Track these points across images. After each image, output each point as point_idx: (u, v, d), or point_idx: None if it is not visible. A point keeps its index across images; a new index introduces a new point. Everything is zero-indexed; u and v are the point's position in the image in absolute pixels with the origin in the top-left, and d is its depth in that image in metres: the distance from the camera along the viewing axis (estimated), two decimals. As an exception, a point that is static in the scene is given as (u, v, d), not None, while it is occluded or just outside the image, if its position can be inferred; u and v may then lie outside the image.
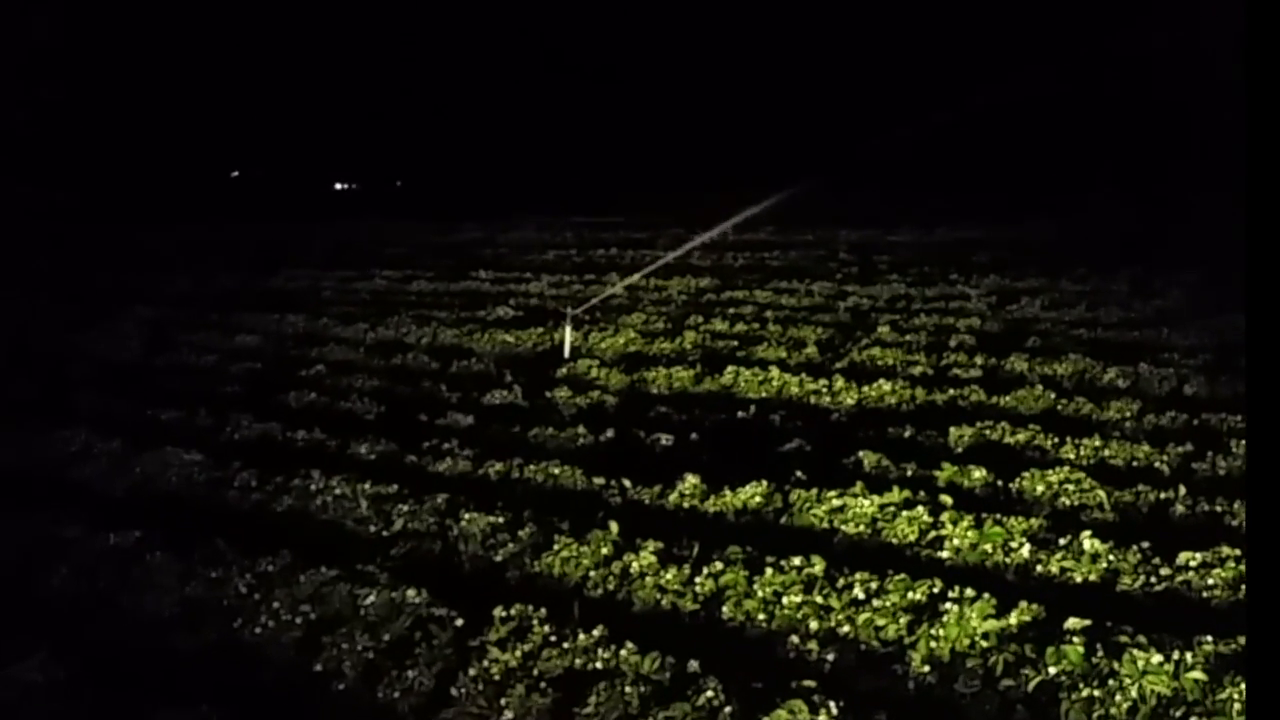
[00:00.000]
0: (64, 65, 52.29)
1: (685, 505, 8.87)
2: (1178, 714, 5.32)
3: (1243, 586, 6.70)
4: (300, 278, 25.12)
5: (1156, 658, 5.54)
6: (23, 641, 6.53)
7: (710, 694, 5.56)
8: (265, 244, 33.55)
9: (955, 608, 6.28)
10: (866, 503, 8.27)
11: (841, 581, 6.82)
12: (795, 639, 6.46)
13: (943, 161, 45.97)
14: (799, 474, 9.13)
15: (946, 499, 8.26)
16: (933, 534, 7.80)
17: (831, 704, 5.38)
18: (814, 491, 8.61)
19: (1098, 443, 9.90)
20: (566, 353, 15.06)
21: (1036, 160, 43.00)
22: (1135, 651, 5.60)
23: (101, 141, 56.37)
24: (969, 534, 7.64)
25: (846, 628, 6.46)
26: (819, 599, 6.68)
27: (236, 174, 68.36)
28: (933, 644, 6.14)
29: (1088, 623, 5.99)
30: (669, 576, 7.17)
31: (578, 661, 6.10)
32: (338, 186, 68.52)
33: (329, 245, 32.36)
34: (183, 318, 19.56)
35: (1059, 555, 7.30)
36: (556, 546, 7.76)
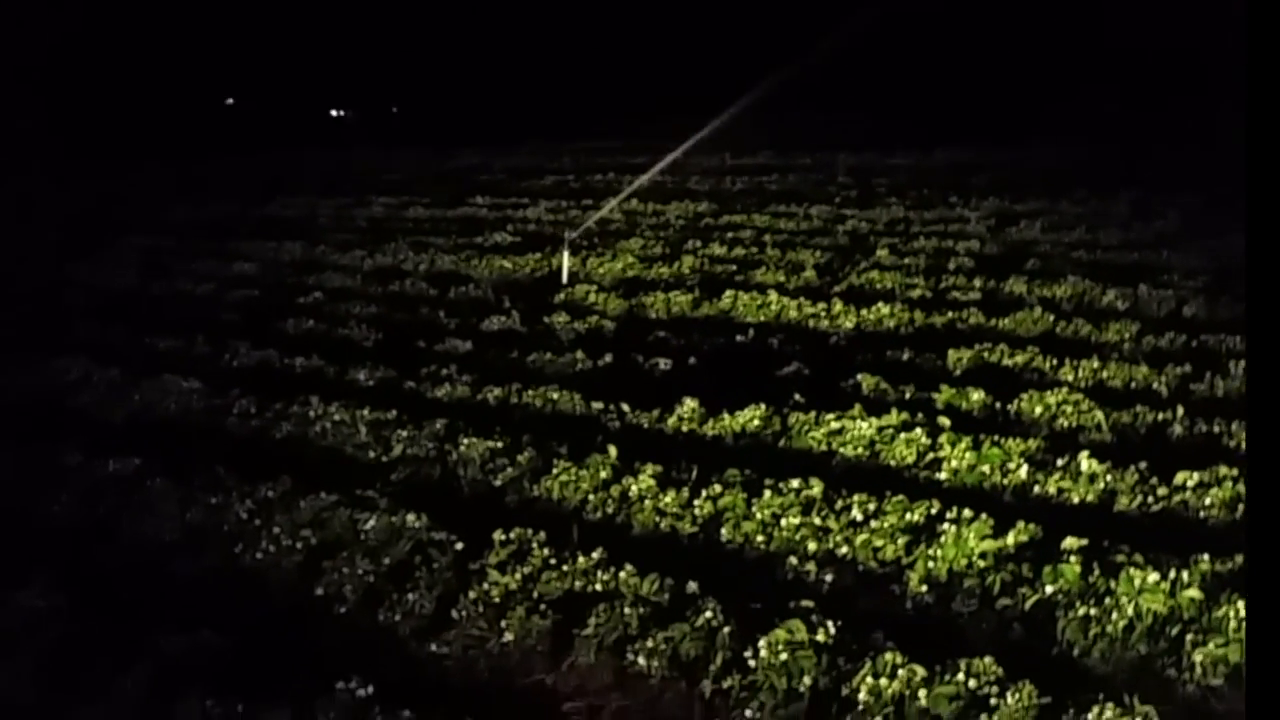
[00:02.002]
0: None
1: (684, 429, 8.88)
2: (1174, 632, 5.36)
3: (1240, 506, 6.72)
4: (297, 205, 24.92)
5: (1153, 576, 5.56)
6: (24, 568, 6.56)
7: (709, 614, 5.59)
8: (261, 172, 33.27)
9: (953, 528, 6.30)
10: (865, 425, 8.28)
11: (840, 503, 6.84)
12: (793, 560, 6.49)
13: (942, 81, 45.54)
14: (797, 397, 9.12)
15: (945, 421, 8.28)
16: (931, 456, 7.82)
17: (830, 624, 5.41)
18: (812, 414, 8.61)
19: (1096, 364, 9.90)
20: (565, 278, 15.00)
21: (1037, 81, 42.50)
22: (1132, 570, 5.62)
23: (91, 71, 55.67)
24: (967, 455, 7.66)
25: (844, 549, 6.48)
26: (817, 520, 6.70)
27: (231, 102, 67.66)
28: (930, 564, 6.17)
29: (1085, 542, 6.01)
30: (668, 499, 7.19)
31: (577, 584, 6.13)
32: (333, 114, 67.84)
33: (325, 172, 32.10)
34: (179, 246, 19.45)
35: (1057, 476, 7.31)
36: (555, 470, 7.77)
